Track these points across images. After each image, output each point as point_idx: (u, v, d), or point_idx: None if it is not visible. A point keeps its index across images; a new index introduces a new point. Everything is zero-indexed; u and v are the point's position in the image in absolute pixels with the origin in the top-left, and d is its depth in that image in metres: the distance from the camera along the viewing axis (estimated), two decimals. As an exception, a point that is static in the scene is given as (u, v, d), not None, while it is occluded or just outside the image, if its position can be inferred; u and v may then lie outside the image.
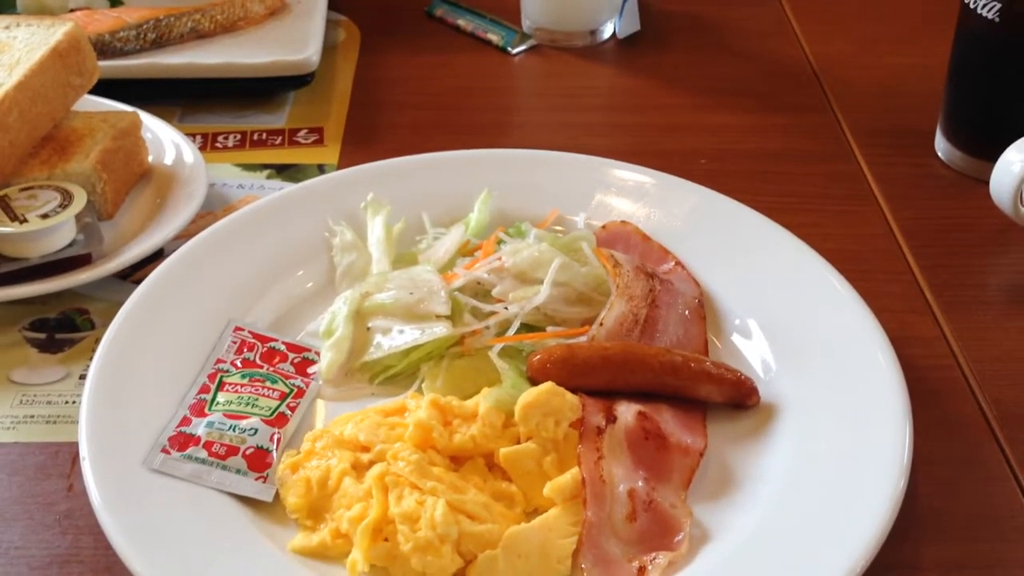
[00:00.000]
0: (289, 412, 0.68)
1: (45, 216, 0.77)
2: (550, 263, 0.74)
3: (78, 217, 0.79)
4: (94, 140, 0.85)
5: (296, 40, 1.05)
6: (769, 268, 0.78)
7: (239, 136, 1.00)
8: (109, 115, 0.89)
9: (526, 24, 1.17)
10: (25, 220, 0.77)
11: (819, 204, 0.91)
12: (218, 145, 0.99)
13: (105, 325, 0.77)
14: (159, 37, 1.03)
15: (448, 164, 0.88)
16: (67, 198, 0.79)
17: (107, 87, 0.94)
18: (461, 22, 1.18)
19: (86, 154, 0.84)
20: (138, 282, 0.80)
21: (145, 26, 1.03)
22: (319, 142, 1.00)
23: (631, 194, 0.85)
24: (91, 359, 0.75)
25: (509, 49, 1.14)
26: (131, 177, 0.88)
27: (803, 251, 0.78)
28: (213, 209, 0.89)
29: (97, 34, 0.99)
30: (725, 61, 1.14)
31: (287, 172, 0.96)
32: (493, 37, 1.15)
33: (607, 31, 1.16)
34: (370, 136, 1.01)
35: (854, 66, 1.11)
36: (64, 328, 0.78)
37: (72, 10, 1.06)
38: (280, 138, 1.00)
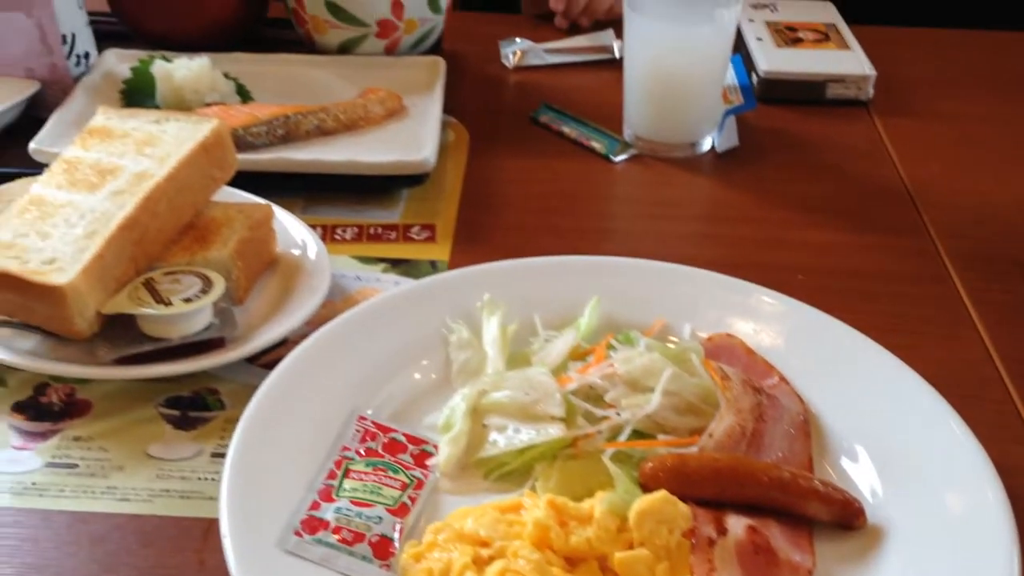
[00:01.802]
0: (410, 502, 0.72)
1: (187, 300, 0.83)
2: (661, 372, 0.77)
3: (215, 302, 0.85)
4: (231, 230, 0.91)
5: (413, 141, 1.11)
6: (872, 389, 0.80)
7: (356, 229, 1.06)
8: (245, 207, 0.95)
9: (628, 133, 1.22)
10: (169, 303, 0.82)
11: (917, 326, 0.94)
12: (336, 237, 1.04)
13: (234, 405, 0.83)
14: (287, 133, 1.10)
15: (558, 269, 0.93)
16: (207, 284, 0.85)
17: (237, 178, 1.00)
18: (565, 129, 1.24)
19: (224, 243, 0.90)
20: (264, 365, 0.86)
21: (275, 122, 1.10)
22: (431, 239, 1.05)
23: (734, 307, 0.89)
24: (221, 438, 0.80)
25: (611, 157, 1.19)
26: (261, 265, 0.94)
27: (905, 373, 0.80)
28: (332, 299, 0.94)
29: (231, 129, 1.06)
30: (820, 178, 1.17)
31: (401, 267, 1.01)
32: (596, 145, 1.21)
33: (706, 144, 1.21)
34: (479, 235, 1.06)
35: (950, 191, 1.14)
36: (196, 407, 0.83)
37: (208, 104, 1.14)
38: (395, 233, 1.05)
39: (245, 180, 1.00)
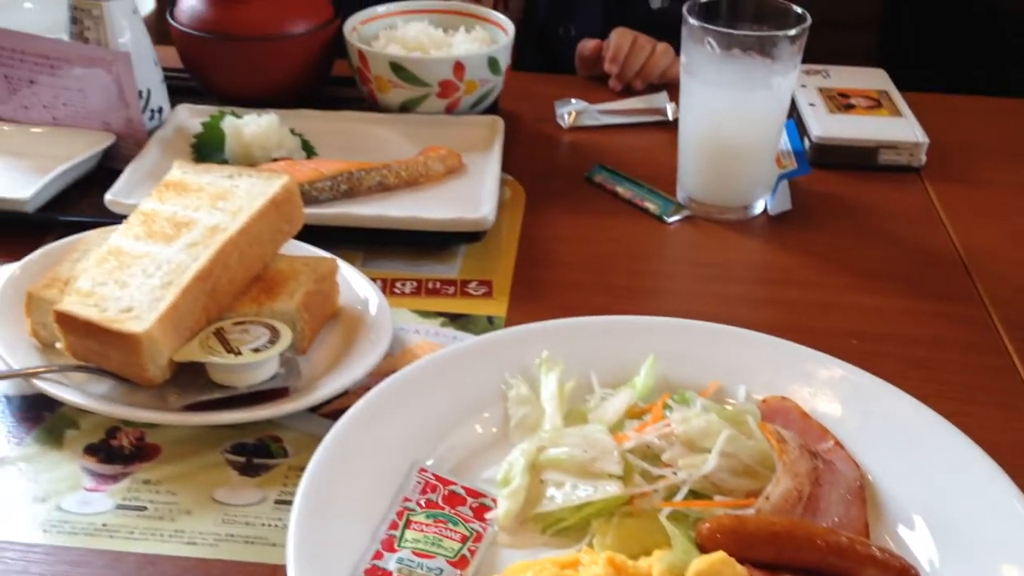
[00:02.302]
0: (469, 555, 0.73)
1: (256, 350, 0.86)
2: (718, 434, 0.78)
3: (281, 353, 0.87)
4: (298, 282, 0.94)
5: (472, 198, 1.14)
6: (927, 457, 0.80)
7: (415, 284, 1.08)
8: (310, 260, 0.98)
9: (681, 195, 1.24)
10: (239, 353, 0.85)
11: (971, 395, 0.94)
12: (396, 291, 1.07)
13: (297, 453, 0.85)
14: (350, 188, 1.14)
15: (615, 328, 0.94)
16: (274, 335, 0.88)
17: (301, 230, 1.03)
18: (619, 189, 1.26)
19: (291, 295, 0.93)
20: (326, 415, 0.88)
21: (339, 178, 1.13)
22: (488, 294, 1.07)
23: (789, 370, 0.90)
24: (284, 485, 0.82)
25: (665, 218, 1.21)
26: (324, 317, 0.97)
27: (961, 442, 0.81)
28: (392, 352, 0.96)
29: (298, 183, 1.10)
30: (872, 244, 1.19)
31: (459, 321, 1.03)
32: (650, 205, 1.23)
33: (759, 207, 1.22)
34: (535, 291, 1.08)
35: (1002, 259, 1.15)
36: (260, 454, 0.85)
37: (275, 159, 1.18)
38: (453, 288, 1.08)
39: (309, 233, 1.04)
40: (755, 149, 1.19)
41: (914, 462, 0.81)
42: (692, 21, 1.14)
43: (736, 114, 1.17)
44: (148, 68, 1.21)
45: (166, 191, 0.97)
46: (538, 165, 1.32)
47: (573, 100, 1.44)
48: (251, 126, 1.18)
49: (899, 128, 1.33)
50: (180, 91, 1.31)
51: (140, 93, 1.19)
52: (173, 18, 1.31)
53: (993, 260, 1.15)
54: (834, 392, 0.88)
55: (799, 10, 1.15)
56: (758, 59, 1.14)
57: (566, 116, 1.42)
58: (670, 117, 1.42)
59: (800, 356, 0.91)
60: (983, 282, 1.11)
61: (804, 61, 1.18)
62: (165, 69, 1.27)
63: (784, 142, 1.23)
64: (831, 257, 1.16)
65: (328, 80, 1.40)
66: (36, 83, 1.18)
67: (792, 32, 1.12)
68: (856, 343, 1.00)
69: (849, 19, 2.47)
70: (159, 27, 1.37)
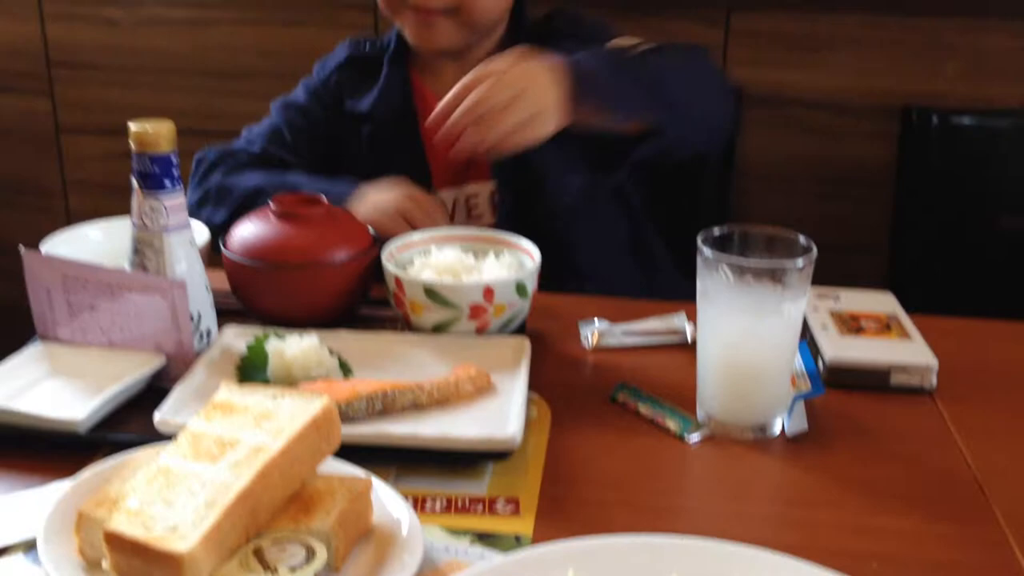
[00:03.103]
0: None
1: (292, 569, 0.89)
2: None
3: (316, 571, 0.90)
4: (334, 501, 0.98)
5: (500, 417, 1.20)
6: None
7: (445, 501, 1.12)
8: (346, 479, 1.02)
9: (701, 414, 1.29)
10: (276, 571, 0.89)
11: (993, 619, 0.95)
12: (426, 508, 1.11)
13: (328, 675, 0.87)
14: (384, 408, 1.20)
15: (638, 548, 0.97)
16: (310, 553, 0.91)
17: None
18: (641, 408, 1.31)
19: (327, 512, 0.97)
20: (357, 635, 0.90)
21: (374, 398, 1.20)
22: (515, 512, 1.11)
23: (810, 594, 0.92)
24: None
25: (685, 436, 1.26)
26: (358, 535, 1.00)
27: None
28: (422, 571, 0.99)
29: (335, 404, 1.16)
30: (889, 464, 1.22)
31: (488, 540, 1.06)
32: (671, 424, 1.28)
33: (777, 427, 1.27)
34: (561, 509, 1.12)
35: (1018, 482, 1.18)
36: (292, 674, 0.87)
37: (313, 378, 1.24)
38: (481, 505, 1.11)
39: (344, 450, 1.08)
40: (770, 372, 1.25)
41: None
42: (707, 252, 1.23)
43: (750, 339, 1.23)
44: (200, 293, 1.30)
45: (213, 411, 1.03)
46: (563, 384, 1.38)
47: (596, 320, 1.52)
48: (293, 348, 1.25)
49: (909, 351, 1.39)
50: (227, 312, 1.40)
51: (192, 316, 1.28)
52: (225, 246, 1.41)
53: (1008, 482, 1.17)
54: (856, 616, 0.89)
55: (805, 241, 1.24)
56: (769, 286, 1.22)
57: (589, 336, 1.49)
58: (688, 339, 1.49)
59: (821, 579, 0.93)
60: (999, 505, 1.13)
61: (815, 283, 1.26)
62: (213, 291, 1.36)
63: (798, 363, 1.29)
64: (849, 478, 1.19)
65: (366, 300, 1.49)
66: (96, 308, 1.27)
67: (800, 263, 1.20)
68: (876, 566, 1.02)
69: (857, 243, 2.59)
70: (211, 254, 1.48)
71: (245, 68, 2.77)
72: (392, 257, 1.45)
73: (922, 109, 2.37)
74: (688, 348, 1.45)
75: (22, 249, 1.29)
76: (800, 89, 2.56)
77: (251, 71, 2.75)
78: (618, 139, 1.58)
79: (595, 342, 1.49)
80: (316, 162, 1.82)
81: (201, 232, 1.50)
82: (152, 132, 1.23)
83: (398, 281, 1.38)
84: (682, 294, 1.47)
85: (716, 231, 1.26)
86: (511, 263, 1.45)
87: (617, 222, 1.88)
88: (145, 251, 1.26)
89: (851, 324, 1.45)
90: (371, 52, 1.87)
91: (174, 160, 1.25)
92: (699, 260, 1.25)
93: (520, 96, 1.41)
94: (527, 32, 1.77)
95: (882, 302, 1.53)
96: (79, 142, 2.92)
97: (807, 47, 2.54)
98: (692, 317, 1.40)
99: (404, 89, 1.82)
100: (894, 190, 2.52)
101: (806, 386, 1.26)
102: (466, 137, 1.41)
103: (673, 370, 1.42)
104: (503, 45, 1.77)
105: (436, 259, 1.44)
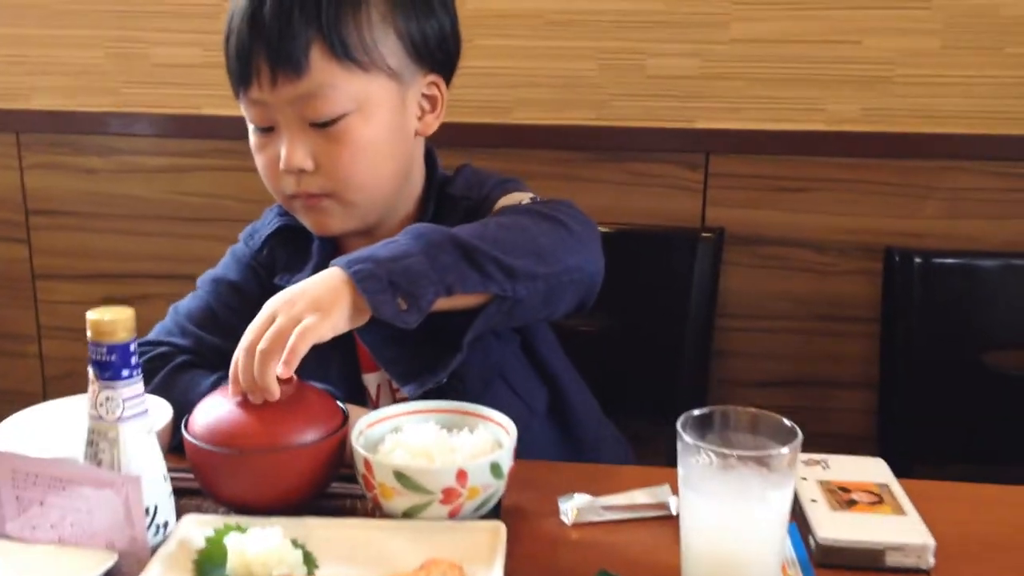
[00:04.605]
0: None
1: None
2: None
3: None
4: None
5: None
6: None
7: None
8: None
9: (687, 604, 1.22)
10: None
11: None
12: None
13: None
14: (350, 611, 1.13)
15: None
16: None
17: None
18: (624, 598, 1.24)
19: None
20: None
21: (339, 601, 1.12)
22: None
23: None
24: None
25: (671, 632, 1.18)
26: None
27: None
28: None
29: (297, 609, 1.09)
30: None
31: None
32: (656, 618, 1.20)
33: (767, 619, 1.20)
34: None
35: None
36: None
37: (275, 577, 1.17)
38: None
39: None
40: (758, 560, 1.18)
41: None
42: (687, 438, 1.18)
43: (735, 527, 1.17)
44: (157, 484, 1.24)
45: (161, 634, 0.96)
46: (541, 570, 1.31)
47: (576, 495, 1.45)
48: (254, 546, 1.18)
49: (904, 528, 1.32)
50: (186, 492, 1.34)
51: (147, 510, 1.21)
52: (187, 429, 1.36)
53: None
54: None
55: (790, 424, 1.19)
56: (754, 469, 1.16)
57: (569, 513, 1.42)
58: (673, 512, 1.42)
59: None
60: None
61: (804, 449, 1.20)
62: (172, 470, 1.30)
63: (788, 550, 1.22)
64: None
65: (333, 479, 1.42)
66: (45, 503, 1.20)
67: (785, 450, 1.15)
68: None
69: (843, 379, 2.56)
70: (172, 438, 1.42)
71: (223, 213, 2.75)
72: (362, 435, 1.40)
73: (903, 251, 2.37)
74: (673, 521, 1.38)
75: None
76: (781, 228, 2.57)
77: (229, 215, 2.74)
78: (457, 314, 1.48)
79: (575, 518, 1.42)
80: None
81: (163, 412, 1.44)
82: (109, 321, 1.18)
83: (367, 463, 1.32)
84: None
85: (696, 413, 1.22)
86: (486, 438, 1.40)
87: (528, 381, 1.77)
88: (99, 442, 1.21)
89: (842, 497, 1.39)
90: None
91: (132, 348, 1.20)
92: (679, 445, 1.19)
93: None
94: (438, 195, 1.70)
95: (873, 470, 1.47)
96: (54, 288, 2.88)
97: (786, 188, 2.55)
98: (676, 488, 1.34)
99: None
100: (879, 327, 2.50)
101: (796, 575, 1.20)
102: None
103: (658, 549, 1.35)
104: (422, 209, 1.70)
105: (407, 438, 1.38)
